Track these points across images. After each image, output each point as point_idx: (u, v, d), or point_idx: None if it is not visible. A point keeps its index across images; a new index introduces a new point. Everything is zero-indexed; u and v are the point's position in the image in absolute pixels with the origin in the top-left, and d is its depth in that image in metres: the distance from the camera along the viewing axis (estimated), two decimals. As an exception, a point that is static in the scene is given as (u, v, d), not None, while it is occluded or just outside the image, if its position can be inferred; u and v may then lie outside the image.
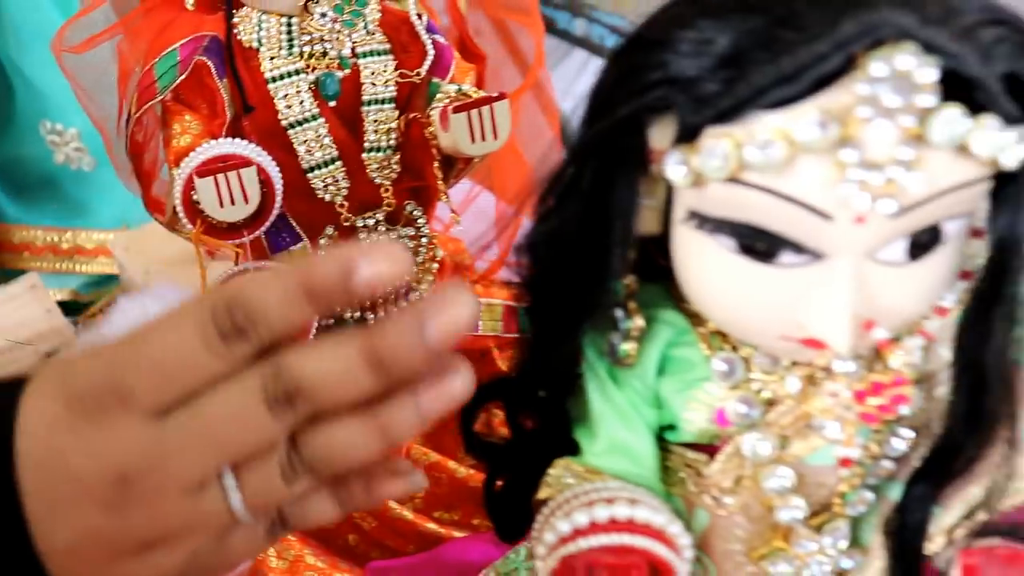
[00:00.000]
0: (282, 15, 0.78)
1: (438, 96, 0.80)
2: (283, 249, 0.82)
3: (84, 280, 1.27)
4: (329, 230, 0.83)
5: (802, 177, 0.41)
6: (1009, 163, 0.42)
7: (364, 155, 0.81)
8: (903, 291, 0.45)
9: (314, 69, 0.79)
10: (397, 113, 0.81)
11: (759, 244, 0.44)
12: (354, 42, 0.79)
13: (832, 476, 0.53)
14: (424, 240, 0.86)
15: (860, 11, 0.39)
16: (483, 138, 0.75)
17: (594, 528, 0.51)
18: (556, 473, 0.55)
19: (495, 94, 0.75)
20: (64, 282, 1.26)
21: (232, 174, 0.71)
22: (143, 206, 0.85)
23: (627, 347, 0.52)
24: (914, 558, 0.53)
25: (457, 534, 0.92)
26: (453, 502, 0.95)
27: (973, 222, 0.47)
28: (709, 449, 0.54)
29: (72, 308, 1.19)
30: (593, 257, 0.49)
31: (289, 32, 0.78)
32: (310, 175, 0.80)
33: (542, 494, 0.55)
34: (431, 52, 0.81)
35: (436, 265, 0.89)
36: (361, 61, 0.80)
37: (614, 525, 0.51)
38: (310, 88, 0.78)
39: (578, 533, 0.51)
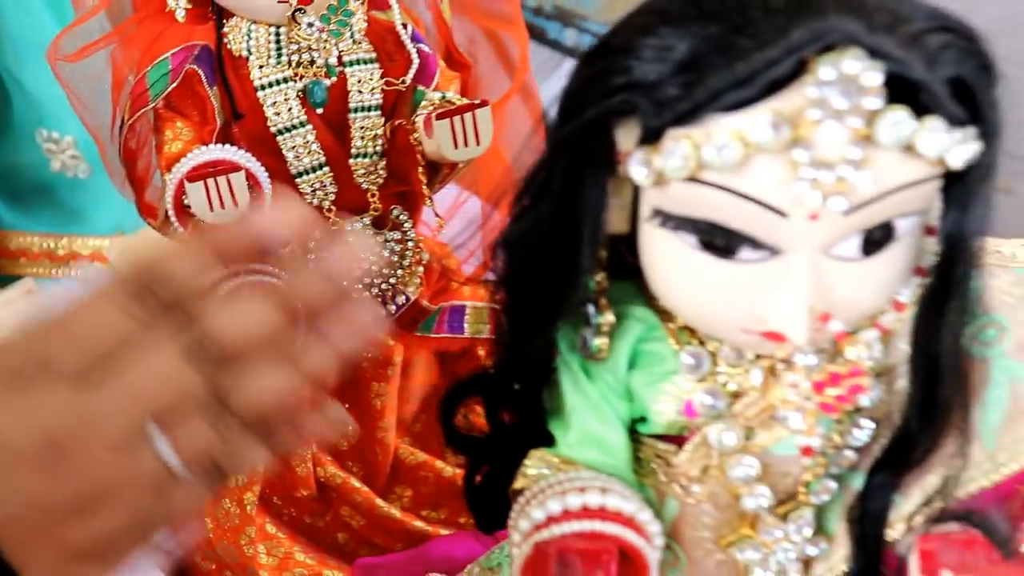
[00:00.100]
0: (271, 25, 0.80)
1: (423, 103, 0.82)
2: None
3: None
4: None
5: (757, 176, 0.43)
6: (955, 163, 0.44)
7: (351, 161, 0.83)
8: (858, 286, 0.47)
9: (302, 77, 0.81)
10: (383, 120, 0.83)
11: (719, 240, 0.46)
12: (341, 51, 0.82)
13: (796, 465, 0.55)
14: (410, 244, 0.88)
15: (811, 19, 0.42)
16: (466, 144, 0.78)
17: (567, 515, 0.52)
18: (531, 464, 0.57)
19: (477, 101, 0.78)
20: (60, 287, 1.27)
21: (221, 178, 0.73)
22: (137, 211, 0.87)
23: (599, 342, 0.54)
24: (876, 544, 0.55)
25: (444, 532, 0.94)
26: (440, 501, 0.97)
27: (926, 220, 0.49)
28: (678, 440, 0.56)
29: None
30: (564, 254, 0.51)
31: (278, 41, 0.80)
32: (298, 180, 0.82)
33: (518, 484, 0.57)
34: (416, 61, 0.83)
35: (422, 268, 0.91)
36: (348, 69, 0.82)
37: (586, 513, 0.52)
38: (298, 96, 0.81)
39: (551, 520, 0.52)
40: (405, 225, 0.87)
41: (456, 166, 0.85)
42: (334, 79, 0.82)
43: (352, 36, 0.82)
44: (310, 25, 0.79)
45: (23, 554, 0.40)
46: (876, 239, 0.46)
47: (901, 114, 0.42)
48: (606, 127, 0.47)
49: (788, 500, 0.56)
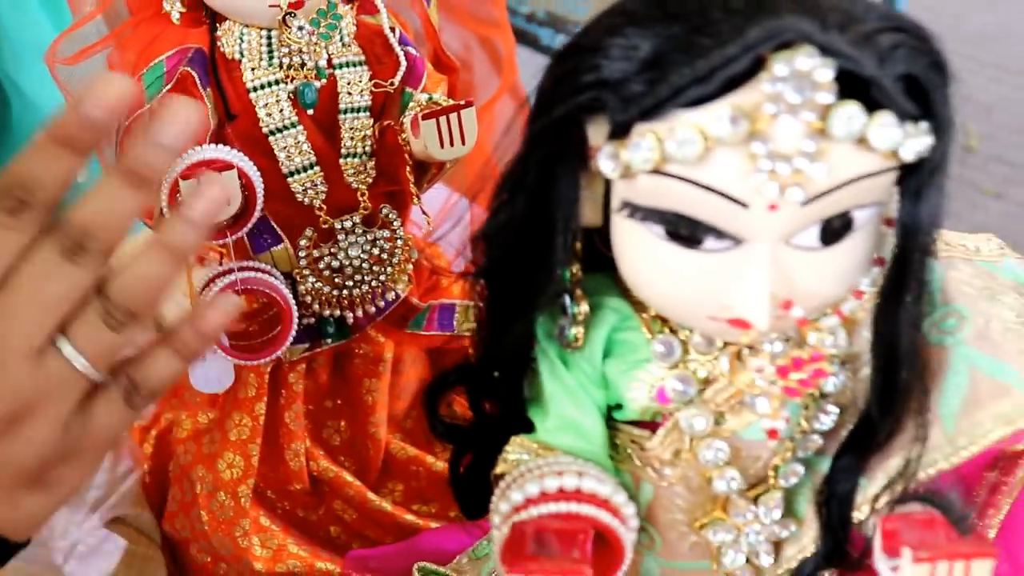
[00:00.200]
0: (262, 28, 0.82)
1: (410, 105, 0.84)
2: (264, 250, 0.86)
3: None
4: (308, 232, 0.86)
5: (718, 168, 0.45)
6: (907, 156, 0.46)
7: (341, 160, 0.85)
8: (819, 274, 0.49)
9: (293, 79, 0.83)
10: (372, 121, 0.85)
11: (684, 230, 0.48)
12: (331, 54, 0.83)
13: (765, 450, 0.57)
14: (399, 242, 0.89)
15: (767, 19, 0.44)
16: (451, 143, 0.79)
17: (544, 497, 0.54)
18: (512, 450, 0.59)
19: (462, 102, 0.79)
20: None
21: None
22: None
23: (575, 331, 0.56)
24: (843, 526, 0.57)
25: (434, 525, 0.95)
26: (430, 495, 0.99)
27: (885, 212, 0.51)
28: (652, 426, 0.58)
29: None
30: (540, 246, 0.53)
31: (269, 44, 0.82)
32: (290, 179, 0.84)
33: (499, 469, 0.59)
34: (404, 63, 0.85)
35: (411, 266, 0.92)
36: (337, 72, 0.84)
37: (562, 495, 0.54)
38: (289, 97, 0.82)
39: (529, 502, 0.54)
40: (394, 223, 0.88)
41: (443, 166, 0.86)
42: (324, 81, 0.84)
43: (341, 39, 0.84)
44: (300, 28, 0.80)
45: None
46: (835, 229, 0.49)
47: (853, 108, 0.44)
48: (577, 122, 0.49)
49: (758, 484, 0.58)
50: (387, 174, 0.87)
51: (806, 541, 0.59)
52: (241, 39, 0.82)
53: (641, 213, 0.49)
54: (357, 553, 0.89)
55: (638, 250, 0.51)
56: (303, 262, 0.87)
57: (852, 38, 0.44)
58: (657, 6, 0.47)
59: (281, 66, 0.82)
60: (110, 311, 0.44)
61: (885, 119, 0.44)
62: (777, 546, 0.59)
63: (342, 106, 0.84)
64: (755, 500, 0.58)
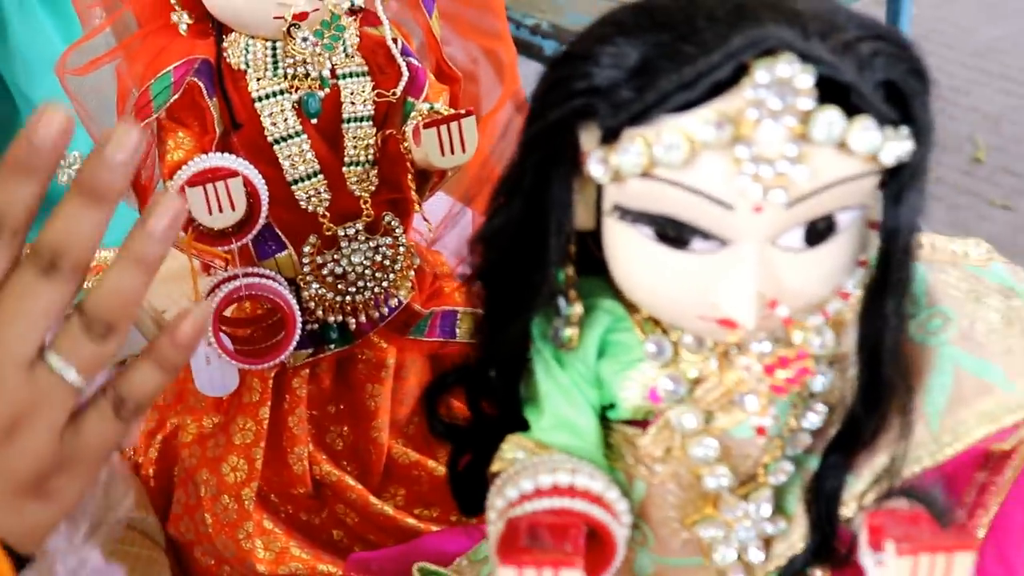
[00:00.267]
0: (267, 40, 0.84)
1: (412, 114, 0.85)
2: (269, 256, 0.87)
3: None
4: (312, 239, 0.88)
5: (704, 171, 0.47)
6: (887, 160, 0.48)
7: (344, 169, 0.86)
8: (804, 274, 0.51)
9: (297, 89, 0.84)
10: (375, 130, 0.87)
11: (672, 232, 0.50)
12: (334, 64, 0.85)
13: (755, 447, 0.58)
14: (402, 249, 0.91)
15: (749, 27, 0.46)
16: (452, 151, 0.81)
17: (538, 493, 0.55)
18: (508, 448, 0.60)
19: (463, 111, 0.81)
20: (66, 297, 1.30)
21: (220, 183, 0.77)
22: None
23: (569, 332, 0.58)
24: (830, 522, 0.58)
25: (435, 529, 0.96)
26: (432, 500, 0.99)
27: (869, 215, 0.53)
28: (645, 425, 0.59)
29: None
30: (535, 248, 0.54)
31: (274, 55, 0.84)
32: (294, 187, 0.85)
33: (495, 467, 0.60)
34: (406, 73, 0.86)
35: (413, 273, 0.94)
36: (341, 82, 0.85)
37: (556, 491, 0.55)
38: (293, 107, 0.84)
39: (524, 498, 0.55)
40: (397, 231, 0.90)
41: (445, 174, 0.88)
42: (328, 91, 0.85)
43: (345, 50, 0.85)
44: (305, 40, 0.82)
45: None
46: (819, 231, 0.50)
47: (833, 113, 0.46)
48: (570, 128, 0.51)
49: (748, 481, 0.59)
50: (389, 182, 0.88)
51: (796, 538, 0.60)
52: (247, 50, 0.83)
53: (631, 216, 0.50)
54: (359, 556, 0.90)
55: (629, 251, 0.52)
56: (307, 268, 0.88)
57: (832, 46, 0.46)
58: (645, 16, 0.49)
59: (286, 76, 0.84)
60: (89, 324, 0.47)
61: (865, 123, 0.46)
62: (767, 543, 0.61)
63: (345, 115, 0.86)
64: (745, 497, 0.59)
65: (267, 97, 0.84)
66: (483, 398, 0.63)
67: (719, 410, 0.57)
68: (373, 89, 0.87)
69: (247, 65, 0.84)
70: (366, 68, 0.87)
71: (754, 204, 0.47)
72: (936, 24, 3.14)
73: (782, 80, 0.44)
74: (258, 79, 0.84)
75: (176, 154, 0.82)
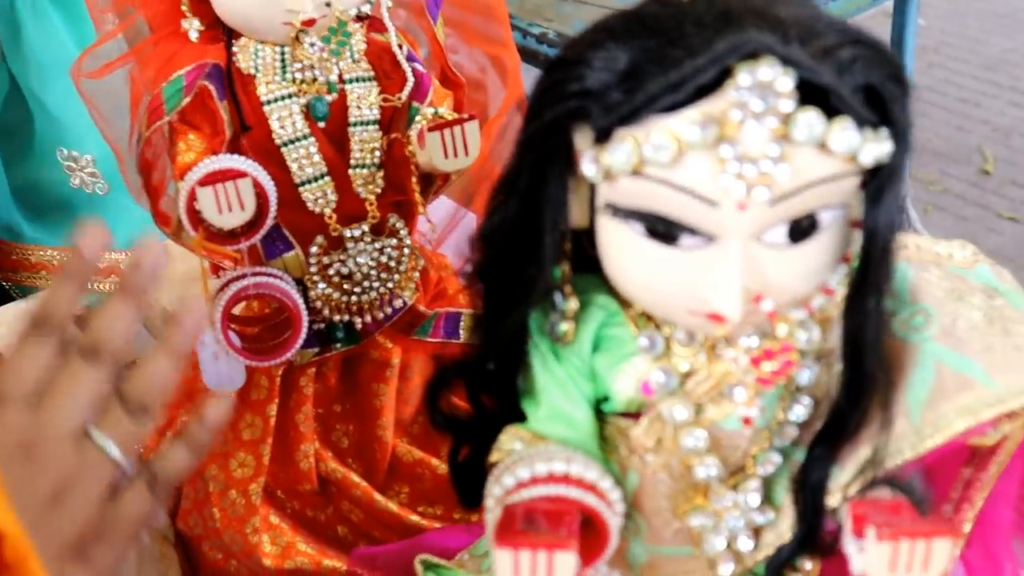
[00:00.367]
0: (276, 45, 0.86)
1: (417, 118, 0.87)
2: (277, 256, 0.90)
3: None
4: (319, 239, 0.90)
5: (690, 170, 0.49)
6: (866, 160, 0.50)
7: (350, 171, 0.88)
8: (788, 270, 0.53)
9: (305, 93, 0.87)
10: (380, 134, 0.89)
11: (662, 228, 0.52)
12: (341, 69, 0.87)
13: (743, 439, 0.60)
14: (406, 250, 0.93)
15: (733, 32, 0.48)
16: (455, 155, 0.83)
17: (534, 481, 0.57)
18: (506, 438, 0.62)
19: (466, 115, 0.83)
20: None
21: (230, 184, 0.78)
22: (152, 219, 0.92)
23: (565, 326, 0.60)
24: (816, 512, 0.60)
25: (438, 526, 0.98)
26: (436, 498, 1.01)
27: (851, 214, 0.55)
28: (637, 417, 0.61)
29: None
30: (532, 245, 0.56)
31: (283, 60, 0.86)
32: (301, 189, 0.87)
33: (493, 457, 0.62)
34: (411, 79, 0.88)
35: (418, 274, 0.96)
36: (348, 86, 0.87)
37: (551, 479, 0.57)
38: (301, 110, 0.86)
39: (520, 486, 0.58)
40: (401, 232, 0.92)
41: (449, 177, 0.90)
42: (335, 95, 0.87)
43: (352, 56, 0.87)
44: (312, 45, 0.84)
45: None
46: (802, 228, 0.52)
47: (813, 115, 0.48)
48: (564, 129, 0.53)
49: (738, 472, 0.61)
50: (395, 185, 0.90)
51: (783, 528, 0.62)
52: (256, 55, 0.86)
53: (622, 213, 0.53)
54: (363, 551, 0.93)
55: (620, 247, 0.54)
56: (314, 268, 0.90)
57: (812, 51, 0.48)
58: (636, 22, 0.51)
59: (294, 81, 0.86)
60: (127, 406, 0.54)
61: (844, 125, 0.48)
62: (757, 532, 0.62)
63: (352, 119, 0.88)
64: (735, 487, 0.61)
65: (276, 101, 0.86)
66: (482, 391, 0.65)
67: (709, 402, 0.59)
68: (379, 94, 0.89)
69: (256, 69, 0.86)
70: (372, 73, 0.89)
71: (738, 201, 0.49)
72: (946, 36, 3.15)
73: (764, 83, 0.46)
74: (267, 83, 0.86)
75: (187, 155, 0.84)
